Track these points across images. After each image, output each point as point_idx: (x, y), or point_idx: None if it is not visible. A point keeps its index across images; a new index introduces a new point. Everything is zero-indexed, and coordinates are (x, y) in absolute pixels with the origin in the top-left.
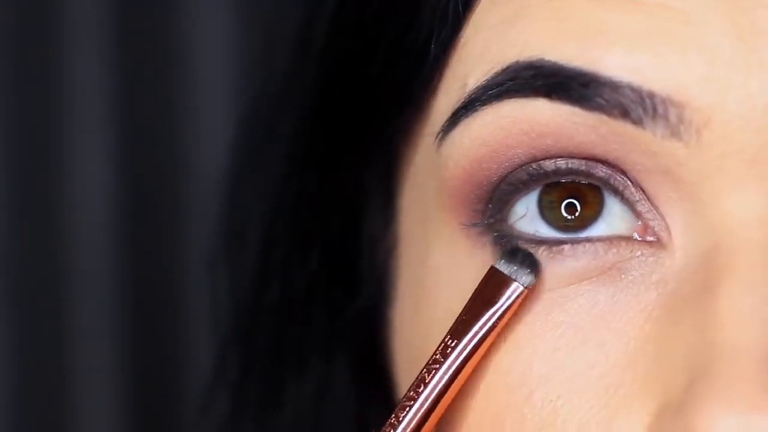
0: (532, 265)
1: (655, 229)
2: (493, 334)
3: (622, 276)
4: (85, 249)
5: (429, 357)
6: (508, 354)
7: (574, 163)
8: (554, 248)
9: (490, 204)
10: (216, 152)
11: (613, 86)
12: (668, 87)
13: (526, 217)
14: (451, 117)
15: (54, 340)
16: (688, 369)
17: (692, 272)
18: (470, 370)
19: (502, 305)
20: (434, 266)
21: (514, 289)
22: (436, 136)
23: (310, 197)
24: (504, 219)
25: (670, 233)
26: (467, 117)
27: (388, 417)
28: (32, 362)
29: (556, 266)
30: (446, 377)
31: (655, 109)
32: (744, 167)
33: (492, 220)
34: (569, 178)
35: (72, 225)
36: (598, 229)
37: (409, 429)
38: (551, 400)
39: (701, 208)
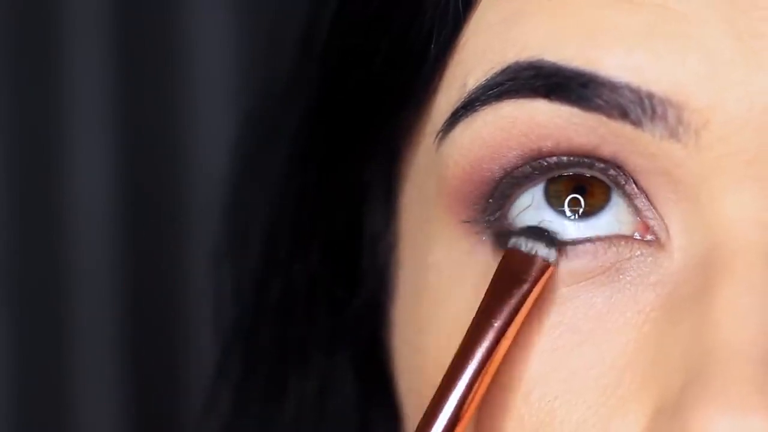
0: (549, 240)
1: (655, 228)
2: (523, 312)
3: (620, 277)
4: (85, 249)
5: (450, 352)
6: (505, 354)
7: (575, 157)
8: (552, 240)
9: (491, 200)
10: (216, 151)
11: (612, 86)
12: (667, 87)
13: (531, 207)
14: (450, 116)
15: (54, 340)
16: (685, 370)
17: (690, 273)
18: (503, 352)
19: (530, 283)
20: (434, 265)
21: (539, 265)
22: (436, 136)
23: (312, 196)
24: (504, 215)
25: (668, 234)
26: (467, 117)
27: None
28: (32, 362)
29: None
30: (479, 359)
31: (654, 110)
32: (742, 168)
33: (492, 217)
34: (573, 171)
35: (72, 225)
36: (603, 221)
37: (450, 412)
38: (549, 401)
39: (700, 209)
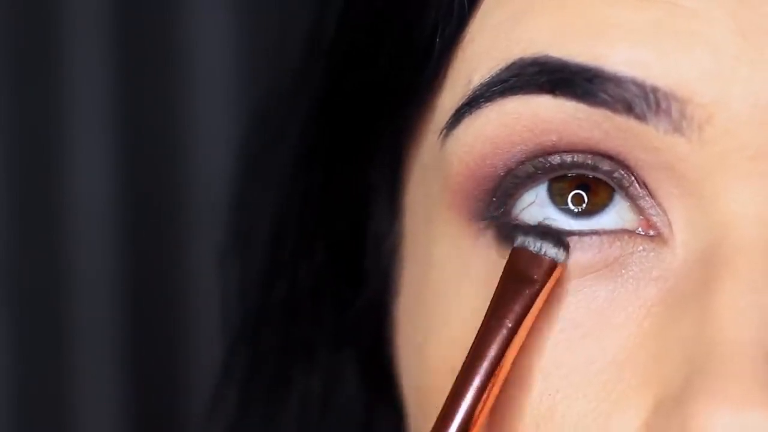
0: (557, 240)
1: (657, 224)
2: (533, 312)
3: (623, 271)
4: (85, 249)
5: (466, 351)
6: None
7: (579, 157)
8: (561, 240)
9: (494, 197)
10: (216, 151)
11: (617, 81)
12: (672, 82)
13: (535, 204)
14: (454, 114)
15: (54, 340)
16: (686, 365)
17: (692, 269)
18: (515, 353)
19: (540, 283)
20: (438, 262)
21: (548, 265)
22: (440, 134)
23: (317, 196)
24: (508, 212)
25: (671, 229)
26: (471, 114)
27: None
28: (32, 362)
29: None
30: (491, 359)
31: (658, 104)
32: (746, 164)
33: (495, 213)
34: (575, 172)
35: (72, 225)
36: (606, 219)
37: (464, 412)
38: (550, 395)
39: (703, 204)
